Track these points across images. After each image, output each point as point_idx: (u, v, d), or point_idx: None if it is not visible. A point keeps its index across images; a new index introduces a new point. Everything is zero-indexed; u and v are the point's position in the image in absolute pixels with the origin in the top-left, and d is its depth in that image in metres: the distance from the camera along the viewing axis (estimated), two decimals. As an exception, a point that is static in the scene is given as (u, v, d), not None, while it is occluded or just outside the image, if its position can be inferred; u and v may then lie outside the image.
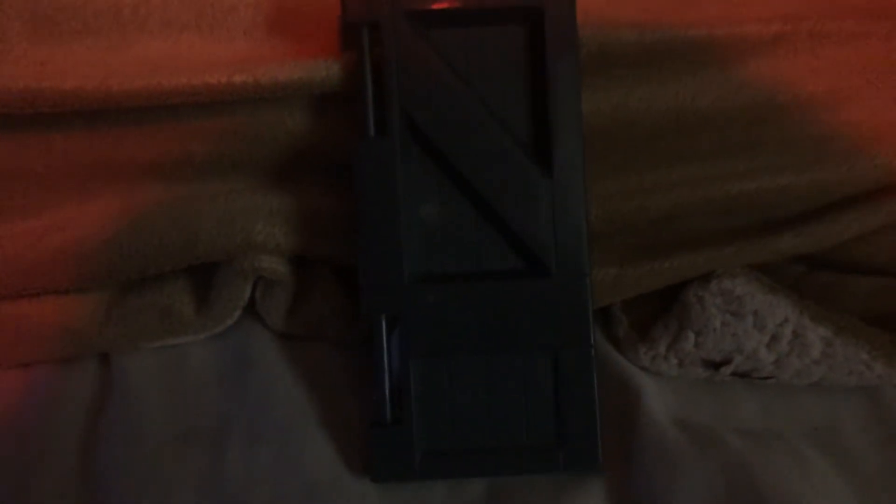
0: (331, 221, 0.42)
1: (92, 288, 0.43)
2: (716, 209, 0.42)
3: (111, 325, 0.43)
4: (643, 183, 0.43)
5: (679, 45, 0.41)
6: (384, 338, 0.39)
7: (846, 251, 0.44)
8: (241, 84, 0.39)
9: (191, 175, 0.42)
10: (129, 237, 0.41)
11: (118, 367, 0.43)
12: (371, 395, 0.40)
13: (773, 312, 0.41)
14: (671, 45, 0.41)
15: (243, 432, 0.41)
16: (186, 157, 0.42)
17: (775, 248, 0.42)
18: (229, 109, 0.41)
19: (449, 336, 0.40)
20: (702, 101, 0.42)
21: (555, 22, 0.39)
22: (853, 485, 0.40)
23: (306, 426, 0.41)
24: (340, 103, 0.41)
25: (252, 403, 0.42)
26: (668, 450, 0.39)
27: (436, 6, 0.39)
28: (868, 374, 0.42)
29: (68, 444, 0.41)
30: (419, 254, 0.40)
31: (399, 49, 0.39)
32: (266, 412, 0.41)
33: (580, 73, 0.39)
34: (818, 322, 0.41)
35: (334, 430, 0.41)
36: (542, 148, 0.40)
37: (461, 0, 0.39)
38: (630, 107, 0.42)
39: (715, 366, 0.43)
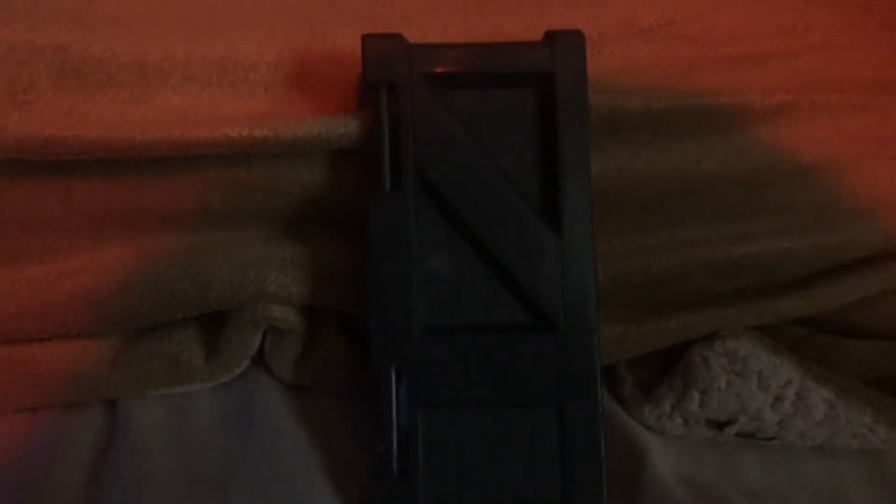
0: (342, 273, 0.43)
1: (102, 334, 0.43)
2: (719, 270, 0.43)
3: (119, 372, 0.43)
4: (648, 243, 0.44)
5: (685, 112, 0.42)
6: (393, 389, 0.40)
7: (846, 315, 0.45)
8: (262, 138, 0.40)
9: (206, 225, 0.43)
10: (141, 284, 0.42)
11: (124, 414, 0.43)
12: (376, 447, 0.40)
13: (777, 373, 0.42)
14: (677, 111, 0.42)
15: (248, 482, 0.41)
16: (203, 207, 0.42)
17: (777, 310, 0.43)
18: (247, 162, 0.42)
19: (457, 388, 0.40)
20: (706, 166, 0.43)
21: (566, 87, 0.41)
22: (858, 548, 0.40)
23: (311, 477, 0.41)
24: (355, 159, 0.42)
25: (258, 454, 0.42)
26: (674, 508, 0.39)
27: (452, 70, 0.41)
28: (871, 438, 0.42)
29: (72, 490, 0.40)
30: (429, 306, 0.41)
31: (415, 108, 0.40)
32: (271, 463, 0.41)
33: (589, 137, 0.41)
34: (821, 384, 0.42)
35: (339, 481, 0.41)
36: (551, 206, 0.41)
37: (476, 64, 0.41)
38: (636, 169, 0.43)
39: (719, 426, 0.43)
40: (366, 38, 0.41)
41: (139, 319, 0.42)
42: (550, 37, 0.41)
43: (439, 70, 0.41)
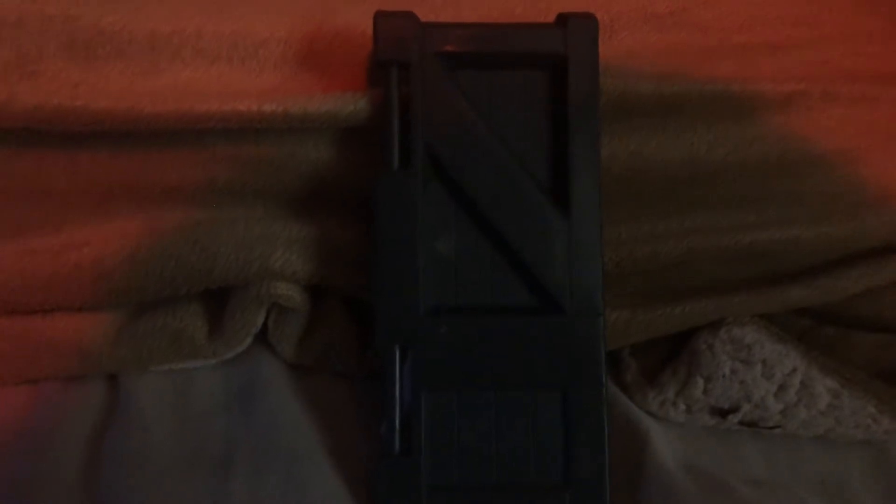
0: (348, 252, 0.43)
1: (106, 307, 0.43)
2: (727, 258, 0.43)
3: (122, 346, 0.43)
4: (656, 229, 0.44)
5: (696, 98, 0.42)
6: (397, 368, 0.40)
7: (852, 306, 0.45)
8: (271, 113, 0.40)
9: (213, 200, 0.43)
10: (147, 258, 0.41)
11: (125, 389, 0.43)
12: (379, 427, 0.40)
13: (782, 362, 0.42)
14: (688, 97, 0.42)
15: (249, 460, 0.40)
16: (209, 182, 0.42)
17: (784, 298, 0.43)
18: (255, 138, 0.41)
19: (461, 369, 0.40)
20: (716, 153, 0.43)
21: (577, 70, 0.40)
22: (860, 538, 0.40)
23: (313, 456, 0.41)
24: (364, 138, 0.42)
25: (259, 432, 0.41)
26: (676, 495, 0.39)
27: (464, 49, 0.41)
28: (875, 428, 0.42)
29: (72, 464, 0.40)
30: (435, 286, 0.40)
31: (426, 88, 0.40)
32: (273, 441, 0.41)
33: (600, 120, 0.41)
34: (826, 373, 0.42)
35: (341, 461, 0.41)
36: (560, 189, 0.40)
37: (489, 44, 0.41)
38: (646, 155, 0.43)
39: (722, 413, 0.43)
40: (378, 16, 0.40)
41: (143, 293, 0.42)
42: (563, 19, 0.41)
43: (451, 49, 0.40)
